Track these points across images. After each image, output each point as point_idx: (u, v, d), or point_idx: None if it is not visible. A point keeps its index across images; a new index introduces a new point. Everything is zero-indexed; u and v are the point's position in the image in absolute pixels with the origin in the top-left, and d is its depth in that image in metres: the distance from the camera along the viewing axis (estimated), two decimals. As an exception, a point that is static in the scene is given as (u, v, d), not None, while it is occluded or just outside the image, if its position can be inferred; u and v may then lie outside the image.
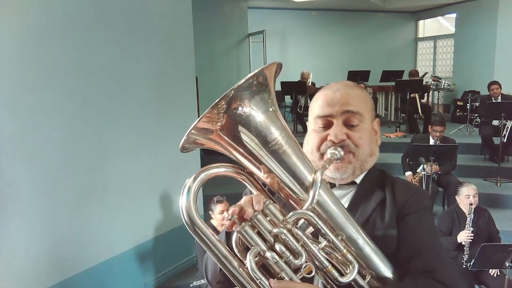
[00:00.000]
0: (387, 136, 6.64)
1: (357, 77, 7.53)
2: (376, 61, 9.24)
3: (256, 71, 0.79)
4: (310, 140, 1.00)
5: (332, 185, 1.00)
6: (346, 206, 0.96)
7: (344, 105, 0.96)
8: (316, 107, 1.00)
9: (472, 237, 3.11)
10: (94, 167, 2.98)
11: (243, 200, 0.82)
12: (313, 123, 1.00)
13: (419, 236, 0.93)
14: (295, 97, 7.20)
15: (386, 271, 0.87)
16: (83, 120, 2.88)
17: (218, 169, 0.85)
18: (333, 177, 0.97)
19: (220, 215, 3.01)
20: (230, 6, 7.76)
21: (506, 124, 5.17)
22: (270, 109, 0.82)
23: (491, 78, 7.28)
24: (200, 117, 0.78)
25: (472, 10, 8.41)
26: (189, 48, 3.88)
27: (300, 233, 0.79)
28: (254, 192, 0.88)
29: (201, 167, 0.88)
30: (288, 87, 7.11)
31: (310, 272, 0.80)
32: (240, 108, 0.78)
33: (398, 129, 7.03)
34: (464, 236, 3.12)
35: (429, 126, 4.66)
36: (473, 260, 2.82)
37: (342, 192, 1.01)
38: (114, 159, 3.12)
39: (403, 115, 7.33)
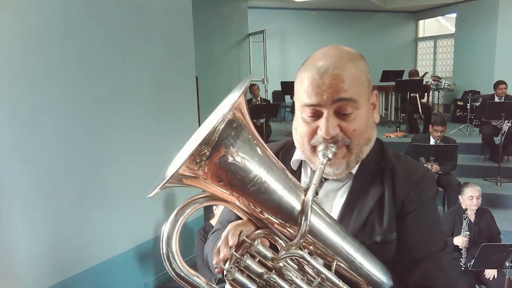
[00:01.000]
0: (387, 136, 6.64)
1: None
2: (376, 61, 9.22)
3: (224, 111, 0.67)
4: (299, 128, 0.89)
5: (327, 178, 0.92)
6: (342, 201, 0.91)
7: (334, 92, 0.81)
8: (302, 92, 0.85)
9: (468, 242, 3.11)
10: (94, 167, 2.98)
11: (223, 239, 0.77)
12: (300, 110, 0.87)
13: (420, 240, 0.87)
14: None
15: (385, 282, 0.85)
16: (83, 120, 2.88)
17: (202, 201, 0.79)
18: (326, 173, 0.88)
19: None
20: (230, 6, 7.76)
21: (498, 125, 5.16)
22: (250, 144, 0.73)
23: (491, 78, 7.29)
24: (171, 175, 0.69)
25: (472, 10, 8.41)
26: (189, 48, 3.88)
27: (291, 274, 0.75)
28: (241, 215, 0.82)
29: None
30: (288, 87, 7.11)
31: None
32: (214, 154, 0.69)
33: (398, 129, 7.03)
34: (460, 241, 3.11)
35: (430, 125, 4.65)
36: (473, 260, 2.82)
37: (338, 184, 0.92)
38: (114, 159, 3.12)
39: (403, 115, 7.32)
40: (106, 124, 3.06)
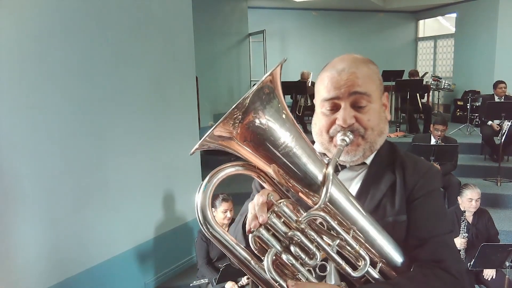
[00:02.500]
0: (387, 136, 6.64)
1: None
2: (376, 61, 8.97)
3: (262, 78, 0.79)
4: (318, 122, 1.00)
5: (343, 167, 1.01)
6: (357, 188, 0.99)
7: (351, 86, 0.94)
8: (322, 89, 0.98)
9: (466, 244, 3.10)
10: (95, 167, 2.98)
11: (252, 208, 0.83)
12: (320, 105, 0.99)
13: (427, 222, 0.94)
14: (295, 97, 7.20)
15: (397, 258, 0.90)
16: (83, 120, 2.88)
17: (232, 169, 0.87)
18: (343, 160, 0.98)
19: (222, 213, 2.99)
20: (230, 6, 7.76)
21: (500, 123, 5.17)
22: (282, 114, 0.82)
23: (492, 78, 7.29)
24: (212, 128, 0.78)
25: (472, 10, 8.41)
26: (189, 48, 3.88)
27: (313, 234, 0.82)
28: (267, 187, 0.89)
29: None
30: (288, 87, 7.11)
31: (325, 270, 0.84)
32: (250, 117, 0.79)
33: (398, 129, 7.03)
34: (458, 243, 3.11)
35: (431, 125, 4.65)
36: (473, 260, 2.82)
37: (353, 173, 1.02)
38: (114, 159, 3.12)
39: (403, 115, 7.33)
40: (106, 124, 3.06)
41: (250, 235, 0.83)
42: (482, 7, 8.13)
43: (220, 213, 2.99)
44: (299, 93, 7.16)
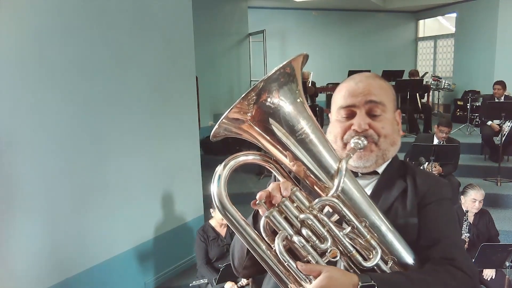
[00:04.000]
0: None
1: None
2: (376, 61, 9.24)
3: (284, 62, 0.81)
4: (333, 130, 1.02)
5: (355, 175, 1.01)
6: (369, 193, 0.98)
7: (367, 95, 0.98)
8: (339, 98, 1.02)
9: (467, 245, 3.10)
10: (95, 167, 2.98)
11: (271, 186, 0.84)
12: (336, 113, 1.02)
13: (439, 225, 0.95)
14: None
15: (408, 257, 0.90)
16: (83, 120, 2.88)
17: (247, 157, 0.87)
18: (356, 166, 0.99)
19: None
20: (230, 6, 7.76)
21: (500, 123, 5.16)
22: (298, 100, 0.84)
23: (492, 77, 7.29)
24: (231, 107, 0.79)
25: (472, 10, 8.41)
26: (189, 48, 3.88)
27: (325, 218, 0.82)
28: (281, 179, 0.89)
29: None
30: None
31: (335, 257, 0.83)
32: (269, 99, 0.81)
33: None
34: None
35: (436, 126, 4.65)
36: (473, 260, 2.81)
37: (365, 182, 1.03)
38: (114, 159, 3.12)
39: (403, 115, 7.33)
40: (106, 124, 3.05)
41: (263, 218, 0.82)
42: (482, 7, 8.13)
43: (219, 214, 2.99)
44: (299, 93, 7.15)
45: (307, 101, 7.46)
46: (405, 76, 7.95)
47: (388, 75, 7.62)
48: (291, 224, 0.82)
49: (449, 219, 0.98)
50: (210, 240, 3.10)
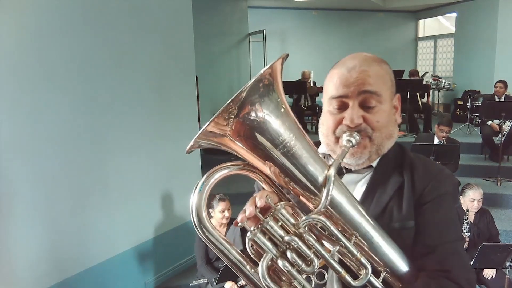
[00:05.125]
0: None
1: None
2: None
3: (261, 71, 0.74)
4: (325, 122, 0.94)
5: (348, 169, 0.96)
6: (362, 191, 0.94)
7: (360, 85, 0.88)
8: (331, 86, 0.92)
9: (468, 244, 3.10)
10: (94, 167, 2.98)
11: (249, 201, 0.80)
12: (327, 103, 0.93)
13: (436, 228, 0.89)
14: (295, 97, 7.20)
15: (402, 266, 0.85)
16: (83, 120, 2.88)
17: (230, 169, 0.83)
18: (348, 163, 0.93)
19: (220, 213, 3.00)
20: (230, 6, 7.76)
21: (500, 123, 5.16)
22: (280, 110, 0.78)
23: (492, 77, 7.30)
24: (208, 122, 0.74)
25: (472, 10, 8.41)
26: (189, 48, 3.88)
27: (312, 239, 0.78)
28: (267, 188, 0.85)
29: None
30: (289, 87, 7.11)
31: (324, 277, 0.80)
32: (247, 112, 0.75)
33: (398, 128, 7.03)
34: None
35: (436, 125, 4.65)
36: (473, 260, 2.81)
37: (358, 176, 0.96)
38: (114, 159, 3.12)
39: (403, 114, 7.33)
40: (106, 123, 3.05)
41: (246, 239, 0.79)
42: (482, 7, 8.13)
43: (218, 213, 3.00)
44: (300, 92, 7.16)
45: (308, 101, 7.45)
46: (405, 76, 7.96)
47: (388, 75, 7.59)
48: (276, 244, 0.78)
49: (448, 219, 0.91)
50: (210, 240, 3.10)
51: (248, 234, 0.79)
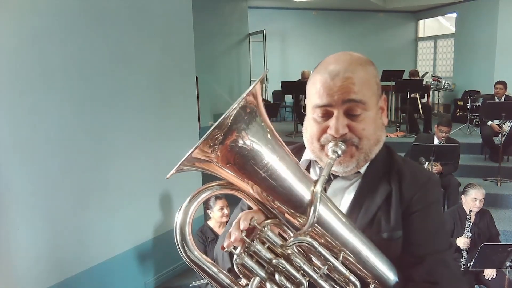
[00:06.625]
0: (387, 136, 6.61)
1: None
2: (376, 61, 8.96)
3: (243, 95, 0.71)
4: (310, 129, 0.93)
5: (335, 177, 0.95)
6: (350, 198, 0.93)
7: (345, 94, 0.85)
8: (314, 93, 0.89)
9: (469, 244, 3.11)
10: (94, 167, 2.98)
11: (234, 224, 0.79)
12: (311, 110, 0.91)
13: (424, 238, 0.89)
14: (295, 97, 7.20)
15: (391, 278, 0.85)
16: (83, 120, 2.88)
17: (214, 189, 0.82)
18: (335, 170, 0.91)
19: (219, 211, 3.00)
20: (230, 6, 7.76)
21: (500, 124, 5.16)
22: (265, 133, 0.76)
23: (492, 77, 7.30)
24: (189, 152, 0.73)
25: (473, 10, 8.41)
26: (189, 48, 3.88)
27: (299, 261, 0.77)
28: (253, 206, 0.84)
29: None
30: (289, 87, 7.11)
31: None
32: (231, 138, 0.72)
33: (398, 129, 7.03)
34: (462, 243, 3.11)
35: (436, 125, 4.65)
36: (473, 260, 2.82)
37: (346, 182, 0.95)
38: (114, 159, 3.12)
39: (403, 115, 7.33)
40: (106, 124, 3.05)
41: (234, 263, 0.79)
42: (482, 7, 8.13)
43: (217, 212, 3.01)
44: (300, 93, 7.16)
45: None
46: (405, 76, 7.95)
47: (388, 75, 7.61)
48: (264, 267, 0.78)
49: (436, 229, 0.91)
50: (209, 241, 3.10)
51: (235, 258, 0.78)
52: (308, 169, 1.01)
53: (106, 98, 3.04)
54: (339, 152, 0.84)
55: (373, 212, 0.90)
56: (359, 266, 0.83)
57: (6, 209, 2.45)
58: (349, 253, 0.82)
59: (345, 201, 0.94)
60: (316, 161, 0.96)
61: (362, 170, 0.93)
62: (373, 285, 0.84)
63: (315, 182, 0.77)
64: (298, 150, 1.02)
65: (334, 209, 0.82)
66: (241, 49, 8.18)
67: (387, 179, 0.92)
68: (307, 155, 0.99)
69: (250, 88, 0.73)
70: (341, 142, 0.86)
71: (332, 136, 0.87)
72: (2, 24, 2.38)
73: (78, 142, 2.85)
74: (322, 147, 0.90)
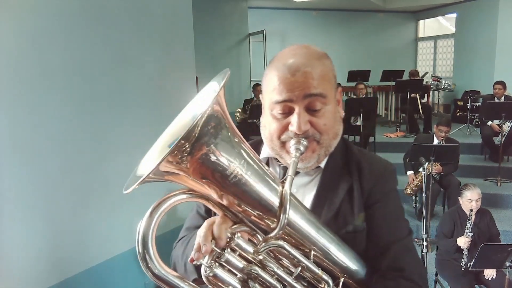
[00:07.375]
0: (387, 136, 6.64)
1: (358, 77, 7.54)
2: (376, 61, 9.24)
3: (208, 106, 0.68)
4: (268, 125, 0.91)
5: (297, 172, 0.93)
6: (313, 194, 0.93)
7: (305, 89, 0.84)
8: (272, 89, 0.87)
9: (470, 243, 3.11)
10: (94, 167, 2.98)
11: (202, 235, 0.76)
12: (270, 106, 0.88)
13: (386, 227, 0.92)
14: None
15: (360, 270, 0.88)
16: (83, 120, 2.88)
17: (181, 196, 0.78)
18: (297, 167, 0.90)
19: None
20: (230, 6, 7.76)
21: (500, 124, 5.16)
22: (232, 139, 0.73)
23: (492, 78, 7.30)
24: (157, 163, 0.68)
25: (472, 10, 8.41)
26: (189, 48, 3.88)
27: (272, 265, 0.77)
28: (219, 212, 0.81)
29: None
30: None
31: None
32: (198, 149, 0.69)
33: (398, 129, 7.03)
34: (462, 242, 3.12)
35: (435, 125, 4.65)
36: (473, 260, 2.82)
37: (308, 178, 0.95)
38: (114, 159, 3.12)
39: (403, 115, 7.33)
40: (106, 123, 3.05)
41: (202, 274, 0.77)
42: (482, 7, 8.13)
43: None
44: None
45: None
46: (405, 76, 7.96)
47: (388, 75, 7.62)
48: (236, 275, 0.76)
49: (396, 216, 0.94)
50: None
51: (205, 270, 0.75)
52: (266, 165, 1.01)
53: (106, 98, 3.04)
54: (302, 149, 0.84)
55: (336, 206, 0.91)
56: (328, 262, 0.84)
57: (6, 209, 2.45)
58: (318, 251, 0.82)
59: (308, 197, 0.94)
60: (276, 159, 0.95)
61: (322, 165, 0.94)
62: (342, 279, 0.86)
63: (282, 182, 0.76)
64: (255, 146, 0.99)
65: (301, 208, 0.82)
66: (241, 49, 8.18)
67: (347, 171, 0.94)
68: (265, 152, 0.98)
69: (215, 96, 0.70)
70: (303, 139, 0.85)
71: (294, 133, 0.85)
72: (2, 24, 2.38)
73: (78, 142, 2.85)
74: (283, 144, 0.89)
